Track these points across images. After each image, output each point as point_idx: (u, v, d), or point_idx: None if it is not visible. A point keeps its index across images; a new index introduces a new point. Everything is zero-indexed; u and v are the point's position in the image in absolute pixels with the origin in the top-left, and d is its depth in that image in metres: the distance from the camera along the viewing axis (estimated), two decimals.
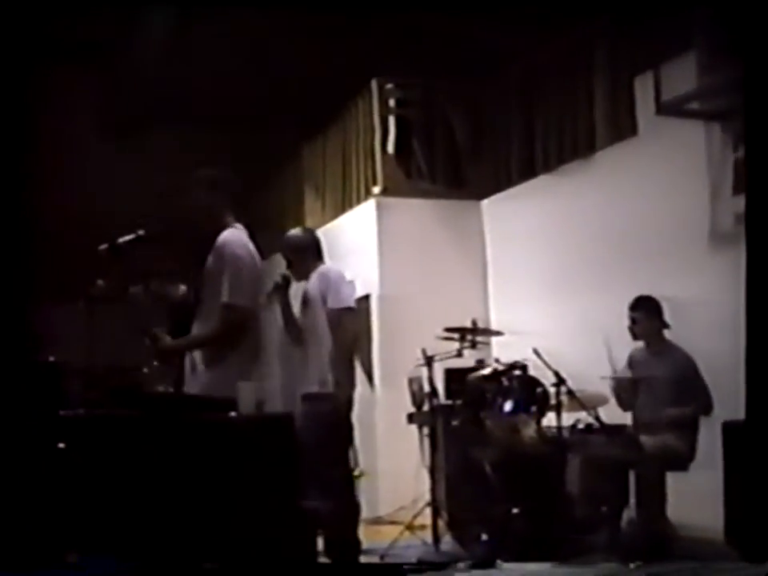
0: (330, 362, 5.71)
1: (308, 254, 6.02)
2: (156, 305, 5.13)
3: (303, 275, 6.00)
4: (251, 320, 4.73)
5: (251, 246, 4.81)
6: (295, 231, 6.30)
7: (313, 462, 5.09)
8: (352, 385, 5.87)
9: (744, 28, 3.93)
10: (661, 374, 6.03)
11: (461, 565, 5.37)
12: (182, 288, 5.12)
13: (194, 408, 4.39)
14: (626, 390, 6.23)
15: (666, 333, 6.20)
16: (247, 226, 4.91)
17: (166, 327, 4.89)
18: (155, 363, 4.81)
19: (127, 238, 4.67)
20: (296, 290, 6.06)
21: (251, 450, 4.12)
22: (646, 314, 6.15)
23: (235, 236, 4.78)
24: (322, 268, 5.97)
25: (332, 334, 5.76)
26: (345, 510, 5.69)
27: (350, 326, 5.87)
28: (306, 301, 5.89)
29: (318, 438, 5.41)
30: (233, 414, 4.18)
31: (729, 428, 5.21)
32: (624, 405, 6.28)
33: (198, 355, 4.75)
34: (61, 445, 3.75)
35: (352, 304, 5.92)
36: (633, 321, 6.19)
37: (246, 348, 4.71)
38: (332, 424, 5.64)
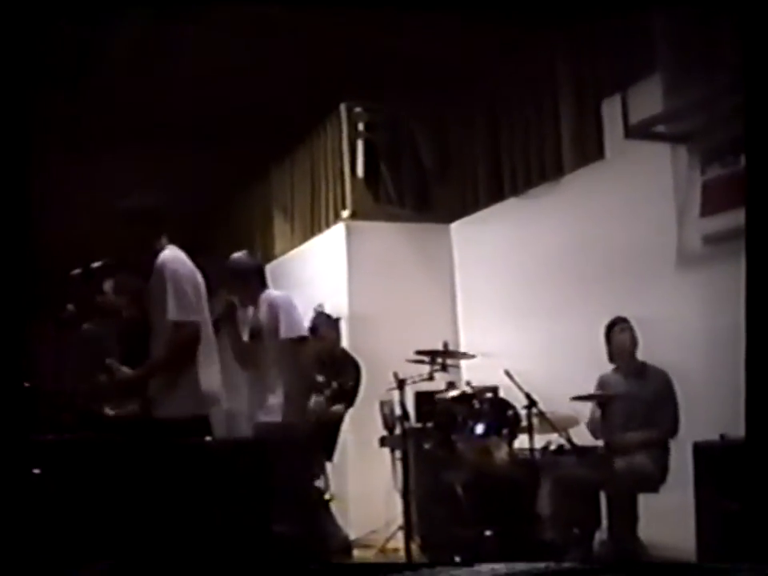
0: (283, 393, 5.58)
1: (253, 279, 5.85)
2: (109, 334, 5.09)
3: (249, 301, 5.85)
4: (201, 332, 4.70)
5: (189, 261, 4.81)
6: (238, 255, 5.99)
7: (274, 488, 5.03)
8: (304, 413, 5.76)
9: (743, 26, 3.91)
10: (636, 394, 6.04)
11: None
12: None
13: (161, 430, 4.38)
14: (597, 419, 6.21)
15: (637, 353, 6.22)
16: (186, 248, 4.88)
17: (120, 356, 4.84)
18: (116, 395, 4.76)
19: (99, 263, 4.66)
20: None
21: (219, 472, 4.10)
22: (621, 335, 6.16)
23: (172, 254, 4.78)
24: (269, 295, 5.82)
25: (288, 364, 5.63)
26: (310, 536, 5.60)
27: (306, 355, 5.77)
28: (257, 331, 5.75)
29: (272, 465, 5.29)
30: (205, 438, 4.17)
31: (699, 448, 5.24)
32: (596, 433, 6.26)
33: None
34: (36, 471, 3.72)
35: (305, 332, 5.82)
36: (609, 342, 6.20)
37: (203, 360, 4.68)
38: (288, 452, 5.46)
